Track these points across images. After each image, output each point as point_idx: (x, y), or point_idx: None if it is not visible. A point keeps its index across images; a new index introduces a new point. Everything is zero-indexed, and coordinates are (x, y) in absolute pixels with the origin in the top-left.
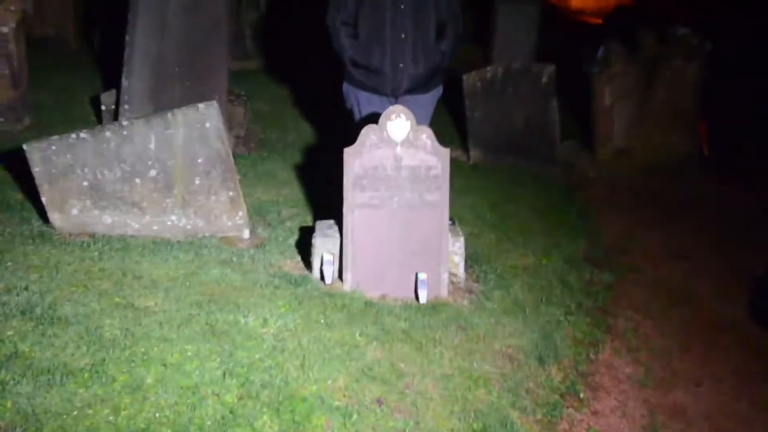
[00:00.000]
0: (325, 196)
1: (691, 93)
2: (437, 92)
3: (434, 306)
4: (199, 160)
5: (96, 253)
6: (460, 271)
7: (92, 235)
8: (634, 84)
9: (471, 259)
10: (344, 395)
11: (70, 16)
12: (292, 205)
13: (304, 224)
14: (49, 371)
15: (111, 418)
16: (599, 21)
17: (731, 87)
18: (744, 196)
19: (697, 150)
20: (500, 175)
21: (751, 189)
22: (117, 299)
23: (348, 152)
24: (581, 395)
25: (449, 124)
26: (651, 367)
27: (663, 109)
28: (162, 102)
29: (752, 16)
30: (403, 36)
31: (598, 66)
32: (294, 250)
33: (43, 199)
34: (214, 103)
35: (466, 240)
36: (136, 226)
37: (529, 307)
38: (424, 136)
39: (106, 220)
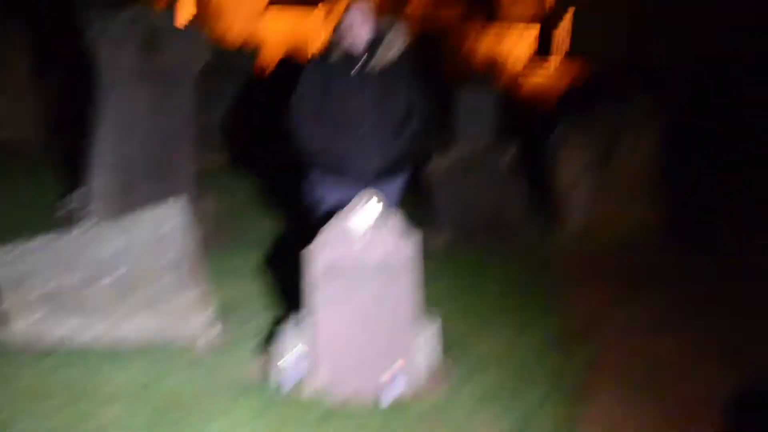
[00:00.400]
0: (293, 291)
1: (650, 163)
2: (405, 178)
3: (409, 402)
4: (163, 262)
5: (53, 365)
6: (434, 359)
7: (51, 344)
8: (594, 158)
9: (445, 344)
10: None
11: (31, 120)
12: (259, 303)
13: (271, 321)
14: None
15: None
16: (554, 102)
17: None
18: (709, 261)
19: (664, 220)
20: (470, 257)
21: (716, 253)
22: (75, 413)
23: (310, 250)
24: None
25: (416, 207)
26: None
27: (624, 180)
28: (129, 202)
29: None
30: (369, 124)
31: (556, 142)
32: (258, 352)
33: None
34: (179, 203)
35: (439, 326)
36: (98, 331)
37: (507, 393)
38: (391, 224)
39: (65, 328)
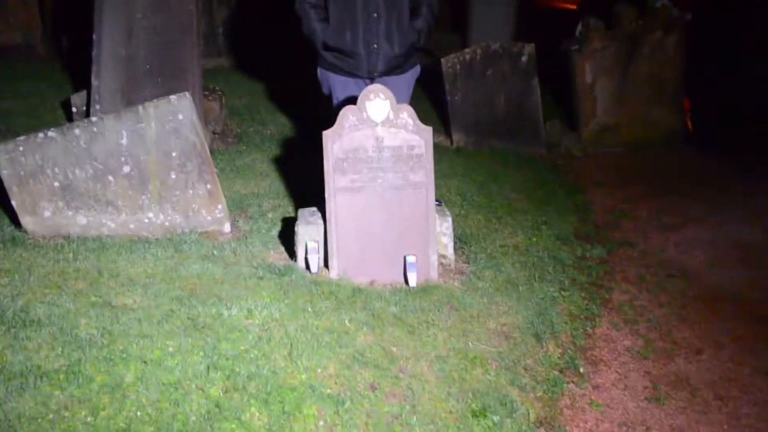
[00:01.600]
0: (306, 185)
1: (671, 66)
2: (415, 72)
3: (425, 289)
4: (174, 154)
5: (70, 254)
6: (450, 252)
7: (66, 237)
8: (615, 59)
9: (460, 240)
10: (335, 383)
11: (37, 22)
12: (273, 197)
13: (287, 215)
14: (22, 374)
15: (89, 419)
16: (574, 7)
17: (712, 61)
18: (729, 169)
19: (682, 124)
20: (484, 158)
21: (735, 162)
22: (93, 298)
23: (327, 135)
24: (581, 370)
25: (429, 109)
26: (650, 339)
27: (645, 83)
28: (134, 100)
29: None
30: (375, 16)
31: (577, 43)
32: (277, 241)
33: (13, 203)
34: (187, 94)
35: (453, 221)
36: (112, 225)
37: (522, 285)
38: (404, 115)
39: (80, 221)
